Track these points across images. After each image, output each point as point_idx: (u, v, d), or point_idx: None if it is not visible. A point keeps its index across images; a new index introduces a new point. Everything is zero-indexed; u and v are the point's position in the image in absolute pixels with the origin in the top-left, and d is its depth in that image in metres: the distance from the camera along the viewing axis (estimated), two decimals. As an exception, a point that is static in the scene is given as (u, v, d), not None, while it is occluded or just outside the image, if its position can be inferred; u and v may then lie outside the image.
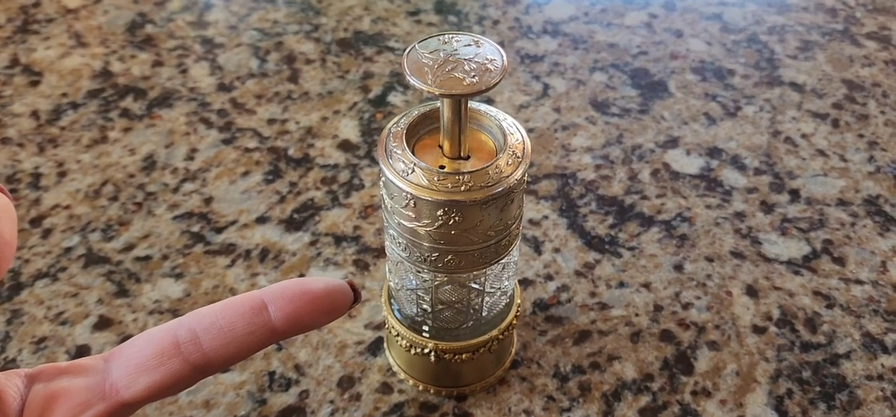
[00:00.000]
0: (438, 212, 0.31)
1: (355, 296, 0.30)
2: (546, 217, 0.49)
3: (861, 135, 0.56)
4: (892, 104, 0.59)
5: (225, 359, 0.28)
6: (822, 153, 0.54)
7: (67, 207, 0.49)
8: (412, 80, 0.30)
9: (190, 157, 0.53)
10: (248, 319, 0.27)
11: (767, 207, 0.50)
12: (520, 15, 0.68)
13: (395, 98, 0.59)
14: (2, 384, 0.25)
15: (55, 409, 0.25)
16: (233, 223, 0.48)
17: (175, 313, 0.43)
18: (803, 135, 0.56)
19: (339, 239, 0.47)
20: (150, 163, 0.53)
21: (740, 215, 0.50)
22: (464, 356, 0.38)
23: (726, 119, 0.57)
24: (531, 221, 0.49)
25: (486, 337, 0.38)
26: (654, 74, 0.61)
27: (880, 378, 0.41)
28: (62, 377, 0.26)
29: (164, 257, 0.46)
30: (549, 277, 0.46)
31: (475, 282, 0.36)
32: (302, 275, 0.45)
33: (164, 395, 0.27)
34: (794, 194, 0.51)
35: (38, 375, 0.26)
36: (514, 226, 0.34)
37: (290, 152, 0.54)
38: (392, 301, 0.39)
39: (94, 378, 0.26)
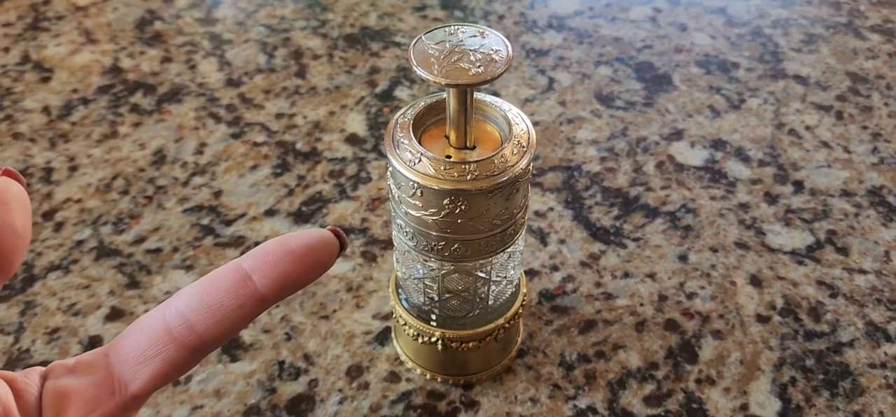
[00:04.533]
0: (445, 201, 0.32)
1: (341, 245, 0.29)
2: (552, 209, 0.50)
3: (865, 127, 0.56)
4: (895, 96, 0.59)
5: (219, 336, 0.27)
6: (825, 145, 0.55)
7: (79, 201, 0.50)
8: (418, 71, 0.30)
9: (199, 152, 0.54)
10: (234, 293, 0.27)
11: (771, 198, 0.51)
12: (525, 10, 0.69)
13: (401, 92, 0.59)
14: (22, 383, 0.25)
15: (68, 408, 0.26)
16: (242, 216, 0.49)
17: (186, 304, 0.44)
18: (807, 127, 0.56)
19: (346, 231, 0.48)
20: (159, 158, 0.53)
21: (744, 206, 0.50)
22: (470, 344, 0.38)
23: (730, 111, 0.57)
24: (537, 213, 0.49)
25: (492, 325, 0.38)
26: (658, 68, 0.62)
27: (883, 366, 0.41)
28: (70, 375, 0.26)
29: (175, 249, 0.47)
30: (554, 268, 0.46)
31: (481, 271, 0.36)
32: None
33: (169, 380, 0.27)
34: (798, 185, 0.52)
35: (49, 373, 0.26)
36: (519, 216, 0.34)
37: (298, 146, 0.54)
38: (400, 290, 0.39)
39: (100, 374, 0.27)
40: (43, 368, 0.27)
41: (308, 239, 0.27)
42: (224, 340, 0.28)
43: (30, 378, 0.26)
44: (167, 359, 0.27)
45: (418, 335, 0.38)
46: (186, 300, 0.27)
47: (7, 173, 0.24)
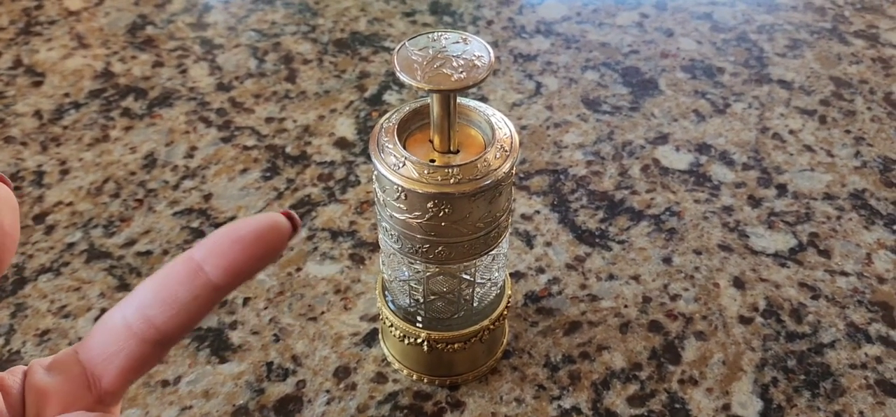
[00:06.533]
0: (429, 205, 0.32)
1: (293, 226, 0.29)
2: (538, 212, 0.50)
3: (848, 131, 0.57)
4: (878, 100, 0.60)
5: (179, 327, 0.28)
6: (809, 148, 0.55)
7: (70, 204, 0.50)
8: (402, 76, 0.31)
9: (189, 155, 0.54)
10: (188, 284, 0.27)
11: (755, 201, 0.51)
12: (513, 15, 0.69)
13: (390, 97, 0.60)
14: (8, 382, 0.26)
15: (47, 405, 0.26)
16: (231, 218, 0.50)
17: (175, 306, 0.44)
18: (791, 131, 0.57)
19: (335, 234, 0.49)
20: (150, 161, 0.54)
21: (728, 209, 0.51)
22: (456, 345, 0.39)
23: (715, 116, 0.58)
24: (523, 216, 0.50)
25: (477, 326, 0.39)
26: (644, 73, 0.63)
27: (864, 366, 0.42)
28: (46, 374, 0.27)
29: (165, 252, 0.47)
30: (540, 270, 0.47)
31: (466, 273, 0.37)
32: (299, 269, 0.46)
33: (138, 375, 0.28)
34: (782, 188, 0.52)
35: (28, 372, 0.27)
36: (502, 219, 0.35)
37: (288, 150, 0.55)
38: (386, 292, 0.40)
39: (74, 371, 0.27)
40: (23, 367, 0.27)
41: (257, 225, 0.27)
42: (185, 331, 0.28)
43: (14, 377, 0.26)
44: (131, 355, 0.27)
45: (404, 336, 0.39)
46: (142, 296, 0.27)
47: None
